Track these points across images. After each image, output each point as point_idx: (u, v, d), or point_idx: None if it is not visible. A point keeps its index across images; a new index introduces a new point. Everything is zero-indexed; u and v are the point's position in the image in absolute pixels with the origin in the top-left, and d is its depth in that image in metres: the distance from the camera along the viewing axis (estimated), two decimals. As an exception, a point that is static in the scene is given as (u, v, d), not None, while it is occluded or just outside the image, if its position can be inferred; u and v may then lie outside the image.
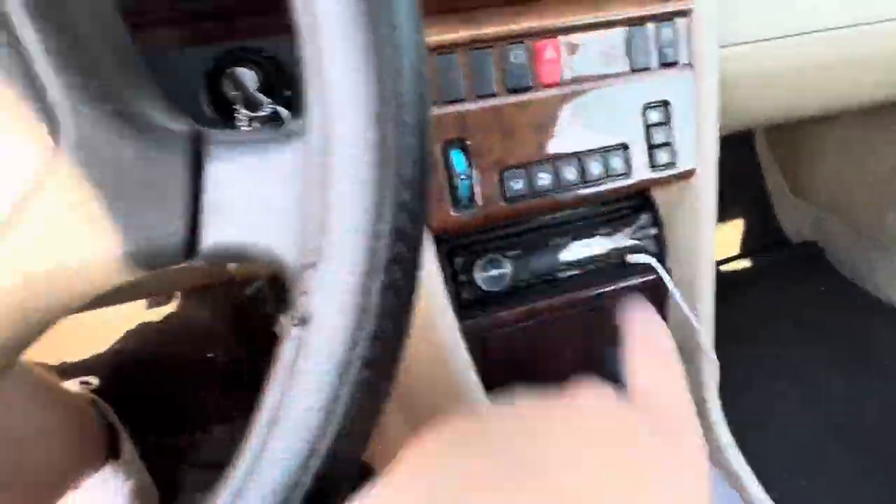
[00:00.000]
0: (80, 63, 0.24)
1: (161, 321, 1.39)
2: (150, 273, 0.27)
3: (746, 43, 0.74)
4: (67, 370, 1.22)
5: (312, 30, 0.23)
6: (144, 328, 1.36)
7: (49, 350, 1.19)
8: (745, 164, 1.65)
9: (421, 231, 0.25)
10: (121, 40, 0.28)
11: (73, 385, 1.11)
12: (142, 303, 1.36)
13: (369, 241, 0.24)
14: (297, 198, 0.25)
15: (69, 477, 0.75)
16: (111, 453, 0.99)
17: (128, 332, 1.35)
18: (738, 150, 1.64)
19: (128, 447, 1.06)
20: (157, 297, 1.35)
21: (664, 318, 0.79)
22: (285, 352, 0.25)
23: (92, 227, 0.25)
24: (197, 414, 1.26)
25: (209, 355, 1.35)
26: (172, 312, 1.41)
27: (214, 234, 0.26)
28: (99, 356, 1.28)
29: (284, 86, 0.61)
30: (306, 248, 0.25)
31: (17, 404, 0.75)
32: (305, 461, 0.24)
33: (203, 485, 1.17)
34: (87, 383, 1.14)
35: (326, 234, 0.24)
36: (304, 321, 0.25)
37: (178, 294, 1.39)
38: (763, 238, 1.65)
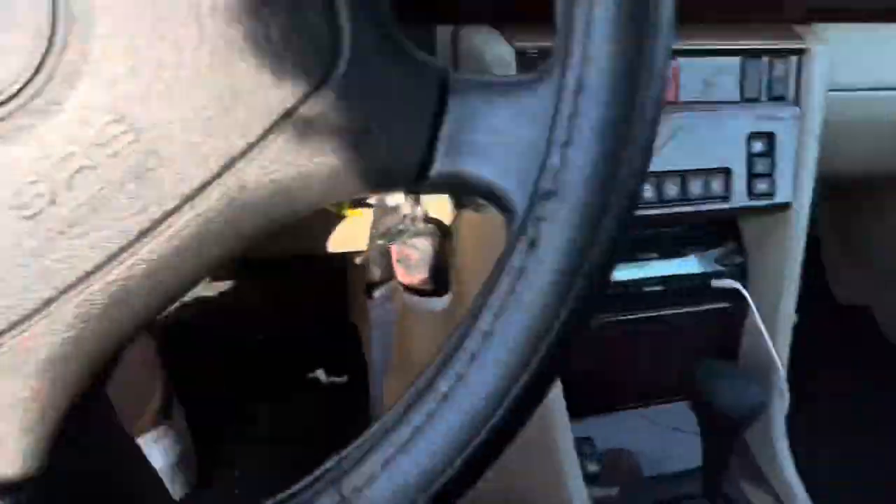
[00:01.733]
0: None
1: (216, 297, 1.42)
2: (378, 192, 0.30)
3: (854, 90, 0.76)
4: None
5: None
6: (201, 302, 1.39)
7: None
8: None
9: (646, 169, 0.28)
10: None
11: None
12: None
13: (609, 179, 0.26)
14: (533, 137, 0.28)
15: (144, 416, 0.77)
16: (166, 413, 1.02)
17: (184, 303, 1.39)
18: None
19: (178, 412, 1.09)
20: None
21: (736, 346, 0.80)
22: (509, 271, 0.27)
23: (345, 138, 0.28)
24: (240, 393, 1.28)
25: (259, 337, 1.38)
26: (227, 290, 1.44)
27: (446, 165, 0.29)
28: (159, 320, 1.31)
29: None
30: (544, 179, 0.27)
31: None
32: (517, 375, 0.26)
33: (243, 459, 1.18)
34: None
35: (568, 166, 0.26)
36: (532, 244, 0.27)
37: (236, 273, 1.42)
38: (810, 298, 1.64)
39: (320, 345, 1.35)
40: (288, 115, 0.27)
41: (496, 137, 0.29)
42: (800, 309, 1.57)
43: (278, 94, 0.27)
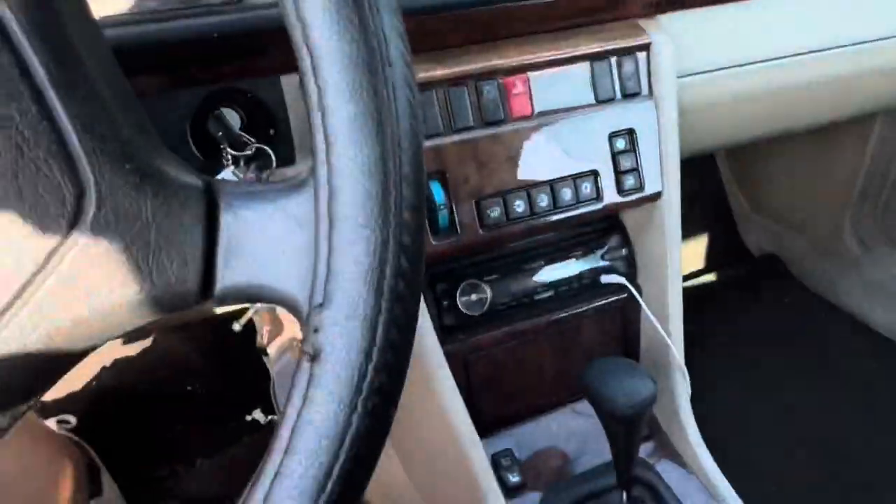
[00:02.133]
0: (103, 126, 0.27)
1: (138, 356, 1.38)
2: (165, 316, 0.29)
3: (702, 73, 0.78)
4: (45, 408, 1.21)
5: (317, 94, 0.26)
6: (122, 363, 1.35)
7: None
8: (708, 184, 1.72)
9: (420, 271, 0.28)
10: (133, 103, 0.30)
11: (51, 424, 1.10)
12: (119, 339, 1.35)
13: (373, 281, 0.27)
14: (305, 242, 0.28)
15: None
16: (93, 490, 0.99)
17: (104, 368, 1.34)
18: (701, 170, 1.70)
19: (109, 484, 1.06)
20: (134, 332, 1.34)
21: (637, 334, 0.83)
22: (298, 383, 0.27)
23: (113, 278, 0.27)
24: (178, 447, 1.26)
25: (188, 388, 1.35)
26: (149, 347, 1.40)
27: (229, 278, 0.29)
28: (76, 393, 1.27)
29: (268, 125, 0.63)
30: (316, 289, 0.27)
31: (3, 444, 0.75)
32: (321, 486, 0.27)
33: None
34: (65, 422, 1.13)
35: (333, 275, 0.27)
36: (315, 356, 0.27)
37: (156, 329, 1.38)
38: (727, 254, 1.71)
39: (252, 386, 1.33)
40: (42, 267, 0.26)
41: (272, 245, 0.29)
42: (715, 266, 1.64)
43: (28, 248, 0.26)
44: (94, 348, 0.30)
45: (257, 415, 1.34)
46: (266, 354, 0.76)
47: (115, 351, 1.34)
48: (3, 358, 0.26)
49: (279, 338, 0.73)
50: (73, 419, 1.13)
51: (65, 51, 0.26)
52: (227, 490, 1.22)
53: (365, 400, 0.27)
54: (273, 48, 0.61)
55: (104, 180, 0.26)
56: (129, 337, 1.34)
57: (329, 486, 0.27)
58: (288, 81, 0.63)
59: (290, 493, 0.27)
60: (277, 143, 0.63)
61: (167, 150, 0.30)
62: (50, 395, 1.25)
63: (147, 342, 1.38)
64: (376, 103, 0.26)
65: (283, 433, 0.27)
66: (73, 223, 0.26)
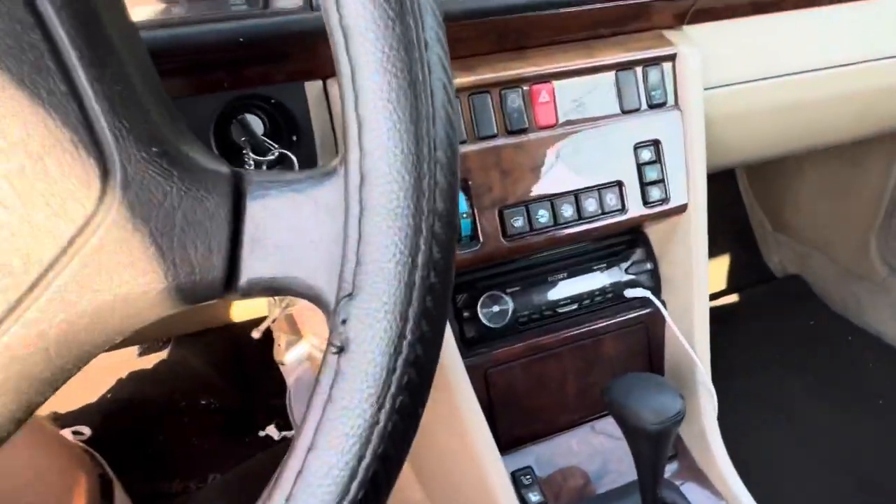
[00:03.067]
0: (131, 108, 0.26)
1: (153, 368, 1.37)
2: (188, 307, 0.29)
3: (728, 85, 0.77)
4: (59, 419, 1.20)
5: (350, 72, 0.25)
6: (137, 375, 1.35)
7: (41, 399, 1.18)
8: (728, 201, 1.69)
9: (451, 261, 0.27)
10: (159, 88, 0.29)
11: (66, 435, 1.09)
12: (133, 350, 1.35)
13: (404, 271, 0.26)
14: (334, 232, 0.27)
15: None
16: (105, 503, 0.97)
17: (119, 380, 1.34)
18: (721, 188, 1.68)
19: (121, 497, 1.04)
20: (149, 343, 1.34)
21: (661, 350, 0.81)
22: (324, 378, 0.26)
23: (137, 264, 0.26)
24: (191, 461, 1.24)
25: (203, 402, 1.34)
26: (165, 359, 1.40)
27: (253, 269, 0.28)
28: (91, 405, 1.26)
29: (291, 131, 0.63)
30: (344, 280, 0.26)
31: (18, 450, 0.74)
32: (346, 486, 0.25)
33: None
34: (79, 433, 1.12)
35: (363, 265, 0.26)
36: (342, 349, 0.26)
37: (171, 340, 1.38)
38: (749, 273, 1.68)
39: (266, 401, 1.32)
40: (66, 249, 0.25)
41: (299, 236, 0.28)
42: (736, 286, 1.61)
43: (51, 230, 0.25)
44: (112, 343, 0.29)
45: (271, 430, 1.32)
46: (283, 365, 0.75)
47: (130, 363, 1.34)
48: (21, 345, 0.25)
49: (296, 348, 0.72)
50: (87, 430, 1.12)
51: (95, 31, 0.25)
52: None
53: (394, 396, 0.26)
54: (298, 54, 0.61)
55: (130, 162, 0.26)
56: (146, 348, 1.34)
57: (353, 487, 0.26)
58: (311, 88, 0.62)
59: (312, 493, 0.25)
60: (300, 149, 0.62)
61: (194, 137, 0.29)
62: (65, 406, 1.25)
63: (162, 354, 1.38)
64: (411, 84, 0.25)
65: (308, 430, 0.26)
66: (98, 205, 0.25)
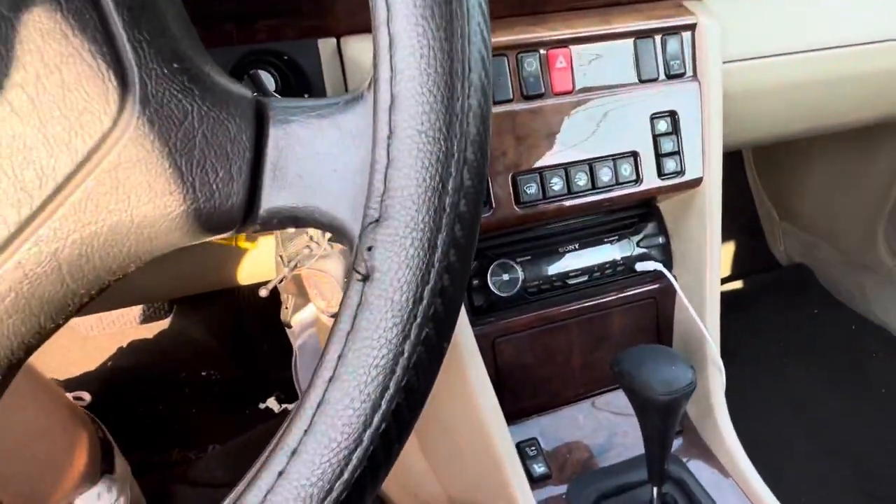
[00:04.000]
0: (151, 23, 0.25)
1: (155, 337, 1.37)
2: (206, 238, 0.28)
3: (746, 59, 0.76)
4: (60, 386, 1.20)
5: None
6: (138, 345, 1.34)
7: (41, 365, 1.17)
8: (736, 190, 1.68)
9: (482, 189, 0.26)
10: (181, 8, 0.28)
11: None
12: (135, 318, 1.34)
13: (434, 197, 0.25)
14: (359, 160, 0.26)
15: (65, 483, 0.73)
16: (106, 467, 0.97)
17: (120, 348, 1.33)
18: (729, 176, 1.67)
19: (121, 463, 1.04)
20: (151, 311, 1.33)
21: (670, 325, 0.80)
22: (346, 307, 0.25)
23: (154, 184, 0.25)
24: (191, 432, 1.24)
25: (203, 373, 1.33)
26: (167, 329, 1.39)
27: (274, 198, 0.27)
28: (91, 372, 1.26)
29: (302, 90, 0.62)
30: (370, 206, 0.25)
31: (23, 403, 0.73)
32: (368, 417, 0.24)
33: (194, 502, 1.14)
34: (80, 399, 1.12)
35: (391, 190, 0.25)
36: (367, 276, 0.25)
37: (173, 309, 1.37)
38: (754, 261, 1.67)
39: (267, 374, 1.31)
40: (81, 165, 0.24)
41: (322, 164, 0.27)
42: (741, 274, 1.60)
43: (68, 144, 0.24)
44: (126, 271, 0.28)
45: (271, 403, 1.32)
46: (289, 328, 0.74)
47: (131, 332, 1.33)
48: (34, 263, 0.24)
49: (303, 312, 0.71)
50: (87, 396, 1.11)
51: None
52: (238, 477, 1.20)
53: (419, 326, 0.25)
54: (311, 9, 0.59)
55: (150, 77, 0.25)
56: (147, 316, 1.33)
57: (376, 418, 0.25)
58: (325, 45, 0.61)
59: (333, 424, 0.25)
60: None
61: (215, 62, 0.28)
62: (66, 372, 1.24)
63: (164, 324, 1.37)
64: (448, 18, 0.24)
65: (329, 360, 0.25)
66: (116, 120, 0.24)
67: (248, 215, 0.27)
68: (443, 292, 0.25)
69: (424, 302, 0.25)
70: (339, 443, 0.24)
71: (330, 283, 0.62)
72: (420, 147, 0.24)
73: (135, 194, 0.25)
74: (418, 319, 0.25)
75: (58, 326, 0.27)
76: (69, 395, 1.11)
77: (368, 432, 0.25)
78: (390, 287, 0.25)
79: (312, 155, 0.27)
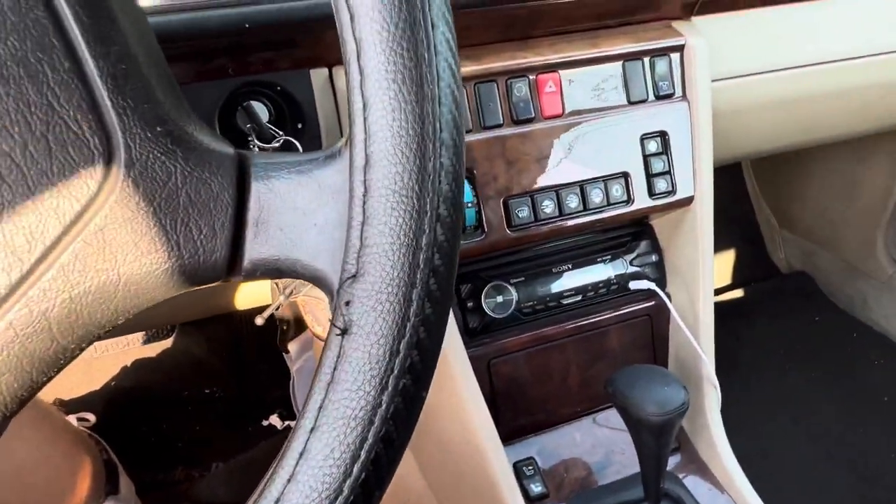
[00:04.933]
0: (135, 87, 0.26)
1: (158, 357, 1.38)
2: (191, 289, 0.28)
3: (735, 77, 0.77)
4: (64, 406, 1.21)
5: (356, 51, 0.25)
6: (141, 364, 1.35)
7: (46, 386, 1.18)
8: (735, 198, 1.68)
9: (456, 244, 0.27)
10: (165, 69, 0.29)
11: (71, 421, 1.10)
12: (138, 338, 1.36)
13: (409, 253, 0.25)
14: (338, 214, 0.27)
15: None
16: (110, 488, 0.98)
17: (124, 367, 1.34)
18: (728, 184, 1.67)
19: (126, 483, 1.05)
20: (153, 331, 1.34)
21: (665, 343, 0.80)
22: (326, 359, 0.26)
23: (140, 244, 0.26)
24: (194, 449, 1.25)
25: (206, 391, 1.34)
26: (169, 348, 1.40)
27: (256, 251, 0.28)
28: (95, 392, 1.27)
29: (295, 119, 0.63)
30: (348, 262, 0.26)
31: (24, 432, 0.74)
32: (348, 467, 0.25)
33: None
34: (84, 419, 1.13)
35: (367, 246, 0.25)
36: (345, 330, 0.26)
37: (175, 329, 1.38)
38: (754, 269, 1.67)
39: (269, 391, 1.32)
40: (69, 228, 0.25)
41: (303, 218, 0.28)
42: (741, 282, 1.60)
43: (55, 208, 0.25)
44: (115, 323, 0.29)
45: (274, 420, 1.33)
46: (286, 353, 0.75)
47: (134, 351, 1.34)
48: (24, 323, 0.25)
49: (300, 336, 0.72)
50: (91, 417, 1.13)
51: (100, 8, 0.25)
52: (241, 495, 1.21)
53: (396, 378, 0.26)
54: (304, 41, 0.60)
55: (134, 141, 0.26)
56: (150, 337, 1.34)
57: (356, 468, 0.26)
58: (317, 75, 0.62)
59: (314, 475, 0.25)
60: (305, 136, 0.62)
61: (198, 118, 0.29)
62: (69, 393, 1.25)
63: (166, 343, 1.38)
64: (417, 64, 0.25)
65: (310, 411, 0.26)
66: (102, 184, 0.25)
67: (232, 268, 0.28)
68: (419, 344, 0.26)
69: (401, 355, 0.26)
70: (321, 493, 0.25)
71: (325, 310, 0.63)
72: (394, 206, 0.25)
73: (121, 253, 0.26)
74: (395, 372, 0.26)
75: (49, 379, 0.28)
76: (73, 417, 1.12)
77: (349, 482, 0.25)
78: (367, 341, 0.25)
79: (293, 209, 0.28)
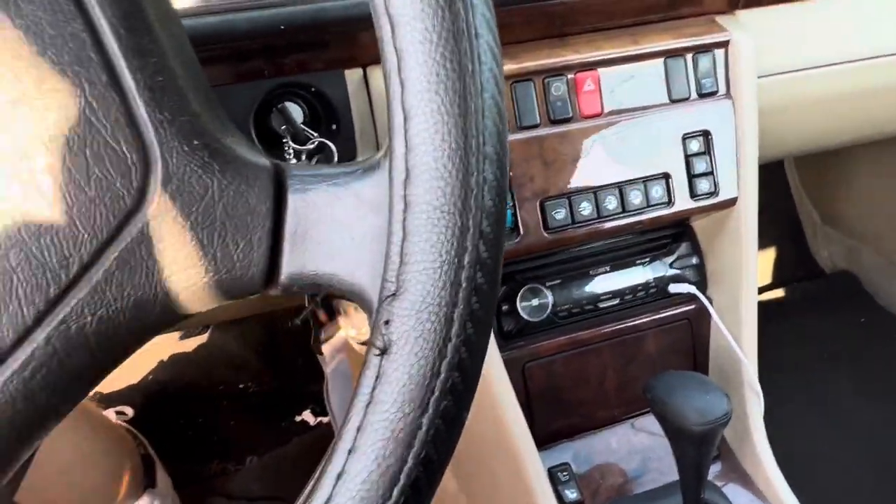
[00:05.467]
0: (173, 100, 0.26)
1: (194, 351, 1.40)
2: (228, 302, 0.28)
3: (782, 73, 0.74)
4: (102, 400, 1.23)
5: (396, 62, 0.24)
6: (178, 359, 1.37)
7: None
8: (776, 194, 1.63)
9: (499, 261, 0.26)
10: (202, 79, 0.29)
11: (109, 415, 1.12)
12: (175, 333, 1.38)
13: (451, 271, 0.24)
14: (377, 228, 0.26)
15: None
16: (148, 482, 1.00)
17: (161, 362, 1.37)
18: (769, 180, 1.62)
19: (163, 477, 1.07)
20: (190, 327, 1.36)
21: (706, 348, 0.78)
22: (365, 379, 0.25)
23: (177, 259, 0.26)
24: (229, 443, 1.27)
25: (241, 386, 1.36)
26: (205, 343, 1.42)
27: (294, 265, 0.27)
28: (133, 386, 1.29)
29: (330, 120, 0.62)
30: (387, 279, 0.25)
31: (63, 430, 0.76)
32: (387, 490, 0.25)
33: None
34: (122, 413, 1.15)
35: (407, 263, 0.25)
36: (384, 350, 0.25)
37: (210, 326, 1.40)
38: (797, 268, 1.62)
39: (303, 386, 1.33)
40: (107, 245, 0.25)
41: (341, 232, 0.27)
42: (783, 281, 1.56)
43: (92, 224, 0.25)
44: (152, 337, 0.29)
45: (307, 416, 1.34)
46: (320, 354, 0.75)
47: (171, 346, 1.36)
48: (62, 340, 0.25)
49: (334, 338, 0.72)
50: (130, 411, 1.15)
51: (137, 20, 0.25)
52: (275, 489, 1.22)
53: (437, 400, 0.25)
54: (338, 42, 0.60)
55: (171, 155, 0.25)
56: (186, 332, 1.37)
57: (395, 492, 0.25)
58: (351, 76, 0.62)
59: (352, 497, 0.25)
60: (339, 138, 0.62)
61: (236, 129, 0.29)
62: (109, 387, 1.28)
63: (203, 338, 1.40)
64: (460, 75, 0.24)
65: (349, 431, 0.25)
66: (139, 199, 0.25)
67: (269, 281, 0.28)
68: (460, 365, 0.25)
69: (442, 376, 0.25)
70: None
71: (360, 313, 0.62)
72: (435, 222, 0.24)
73: (158, 269, 0.26)
74: (436, 393, 0.25)
75: (87, 393, 0.28)
76: (112, 411, 1.15)
77: None
78: (407, 362, 0.25)
79: (331, 222, 0.27)
